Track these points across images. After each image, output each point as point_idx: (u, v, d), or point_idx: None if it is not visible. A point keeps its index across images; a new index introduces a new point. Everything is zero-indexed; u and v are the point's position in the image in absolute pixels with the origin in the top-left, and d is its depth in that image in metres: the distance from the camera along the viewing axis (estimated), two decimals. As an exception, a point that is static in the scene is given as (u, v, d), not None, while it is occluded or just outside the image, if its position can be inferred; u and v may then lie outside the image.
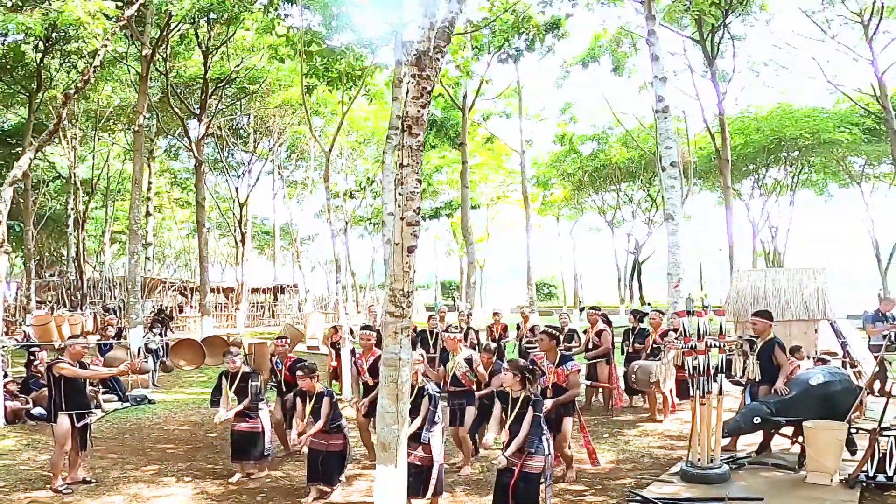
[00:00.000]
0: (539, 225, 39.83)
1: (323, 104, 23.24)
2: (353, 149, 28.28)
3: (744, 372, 7.07)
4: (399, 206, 4.22)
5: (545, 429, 5.25)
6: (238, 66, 23.27)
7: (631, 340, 10.61)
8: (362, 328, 7.85)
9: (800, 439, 6.85)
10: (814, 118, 26.69)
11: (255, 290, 37.70)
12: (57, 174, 32.64)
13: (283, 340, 8.32)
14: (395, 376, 4.28)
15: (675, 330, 10.16)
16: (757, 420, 6.80)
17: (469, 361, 7.32)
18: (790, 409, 6.78)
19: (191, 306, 34.65)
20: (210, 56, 22.17)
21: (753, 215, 31.90)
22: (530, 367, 5.45)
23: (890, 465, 6.21)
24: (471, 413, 7.30)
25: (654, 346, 9.89)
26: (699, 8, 16.18)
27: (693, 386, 6.62)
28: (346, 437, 6.53)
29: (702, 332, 6.62)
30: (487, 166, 32.04)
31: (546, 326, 7.23)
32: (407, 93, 4.35)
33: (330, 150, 14.00)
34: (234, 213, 31.81)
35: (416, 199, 4.19)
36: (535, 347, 11.65)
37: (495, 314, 12.61)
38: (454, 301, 36.77)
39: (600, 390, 10.71)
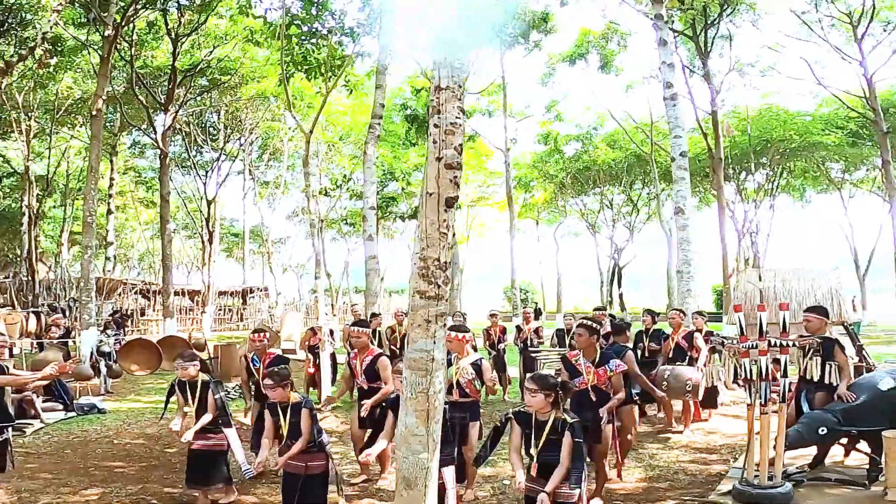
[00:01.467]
0: (518, 228, 38.97)
1: (299, 96, 21.99)
2: (329, 144, 27.01)
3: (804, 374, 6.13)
4: (435, 141, 3.13)
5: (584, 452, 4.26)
6: (209, 55, 21.91)
7: (646, 343, 9.62)
8: (354, 324, 6.81)
9: (858, 449, 5.98)
10: (801, 120, 26.31)
11: (222, 293, 36.25)
12: (12, 170, 30.80)
13: (262, 334, 7.12)
14: (424, 385, 3.15)
15: (700, 330, 9.33)
16: (823, 431, 5.84)
17: (477, 367, 6.09)
18: (859, 417, 5.86)
19: (153, 309, 33.14)
20: (179, 44, 20.81)
21: (737, 219, 31.48)
22: (560, 383, 4.38)
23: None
24: (476, 429, 6.12)
25: (678, 348, 8.89)
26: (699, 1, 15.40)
27: (751, 392, 5.65)
28: (328, 455, 5.28)
29: (764, 330, 5.65)
30: (468, 166, 30.98)
31: (583, 319, 6.08)
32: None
33: (311, 132, 12.82)
34: (201, 213, 30.26)
35: (458, 132, 3.13)
36: (539, 351, 10.81)
37: (492, 315, 11.61)
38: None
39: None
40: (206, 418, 5.68)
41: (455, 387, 6.03)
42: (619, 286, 36.17)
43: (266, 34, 17.09)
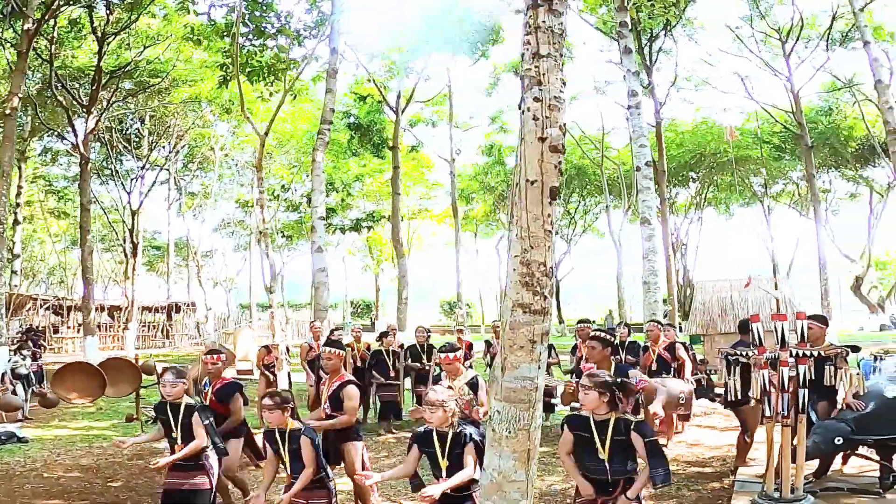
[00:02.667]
0: (452, 242, 38.76)
1: (236, 100, 20.91)
2: (267, 152, 25.94)
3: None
4: (536, 118, 2.67)
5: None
6: (139, 55, 20.54)
7: (622, 356, 9.39)
8: (327, 344, 6.02)
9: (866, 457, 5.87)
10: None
11: (146, 309, 34.26)
12: None
13: (217, 356, 6.22)
14: (526, 420, 2.62)
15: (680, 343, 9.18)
16: (839, 441, 5.70)
17: (473, 386, 5.65)
18: (871, 425, 5.76)
19: (67, 326, 30.94)
20: (106, 43, 19.41)
21: (667, 232, 32.30)
22: (618, 382, 4.05)
23: None
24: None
25: (660, 360, 8.67)
26: (648, 12, 15.63)
27: (769, 404, 5.43)
28: (330, 492, 4.68)
29: (786, 340, 5.44)
30: (409, 177, 30.53)
31: (596, 331, 5.74)
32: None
33: (266, 134, 12.06)
34: (124, 223, 28.43)
35: (562, 109, 2.67)
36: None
37: (459, 331, 11.21)
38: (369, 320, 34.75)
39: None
40: (193, 446, 4.90)
41: None
42: (558, 299, 36.44)
43: (206, 34, 16.16)
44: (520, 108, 2.77)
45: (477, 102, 35.57)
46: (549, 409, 10.26)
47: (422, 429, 4.34)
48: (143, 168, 28.67)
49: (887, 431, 5.72)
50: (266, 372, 10.23)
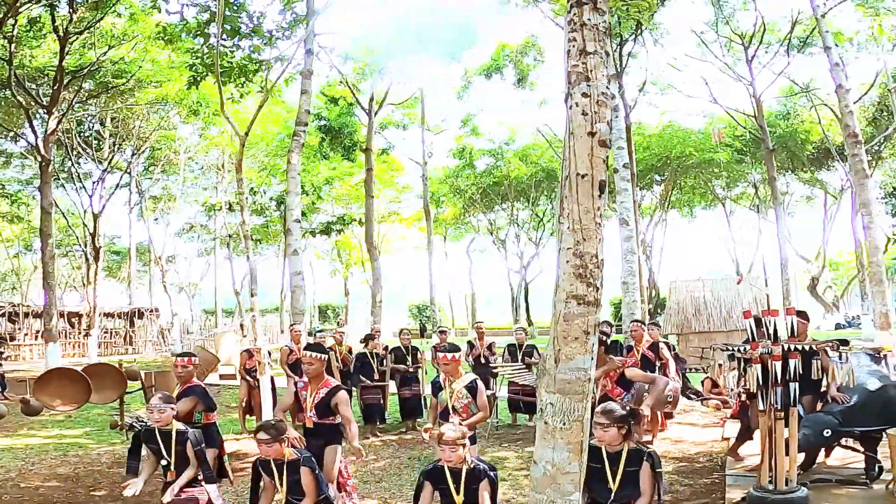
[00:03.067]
0: (422, 246, 38.73)
1: (204, 102, 20.58)
2: (233, 155, 25.41)
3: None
4: (585, 113, 2.68)
5: None
6: (104, 55, 19.97)
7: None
8: (307, 348, 5.69)
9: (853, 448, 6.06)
10: (696, 137, 27.89)
11: (107, 316, 33.39)
12: None
13: (187, 359, 5.90)
14: (580, 411, 2.65)
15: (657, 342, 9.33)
16: (828, 433, 5.88)
17: (472, 390, 5.53)
18: (856, 417, 5.96)
19: (25, 333, 30.02)
20: (68, 43, 18.84)
21: (638, 234, 32.80)
22: (630, 412, 4.11)
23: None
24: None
25: (644, 359, 8.80)
26: (621, 15, 15.83)
27: (762, 398, 5.56)
28: None
29: (778, 335, 5.58)
30: (380, 180, 30.37)
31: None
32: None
33: (246, 135, 11.90)
34: (85, 226, 27.63)
35: (607, 104, 2.70)
36: (496, 366, 10.48)
37: (441, 332, 11.16)
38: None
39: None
40: (189, 473, 4.83)
41: (451, 413, 5.45)
42: (527, 301, 36.70)
43: (175, 35, 15.83)
44: (566, 104, 2.78)
45: (448, 105, 35.67)
46: (532, 409, 10.30)
47: (431, 465, 4.37)
48: (104, 171, 27.91)
49: (872, 423, 5.93)
50: (248, 377, 10.10)
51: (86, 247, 28.45)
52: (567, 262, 2.65)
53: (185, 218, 42.27)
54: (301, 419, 5.43)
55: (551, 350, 2.71)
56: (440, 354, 5.62)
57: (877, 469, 5.98)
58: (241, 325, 22.42)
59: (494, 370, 9.61)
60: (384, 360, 10.26)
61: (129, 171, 29.49)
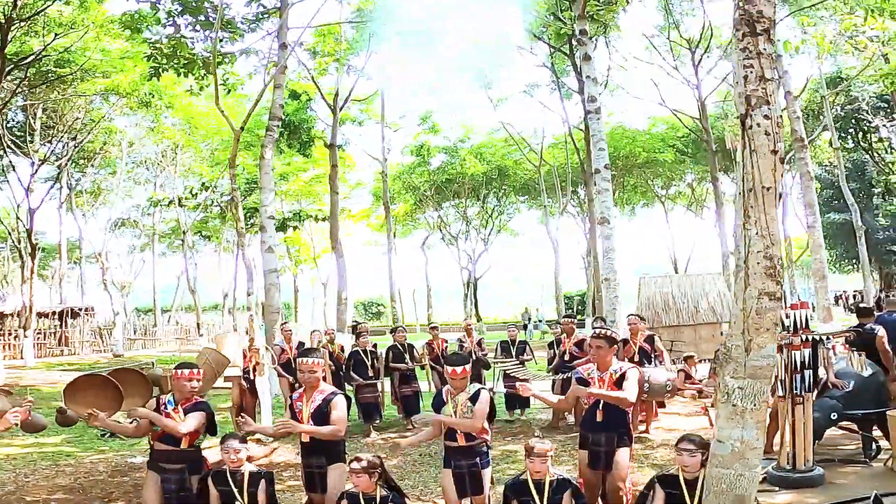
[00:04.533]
0: (371, 242, 38.65)
1: (157, 94, 19.86)
2: (174, 147, 24.56)
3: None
4: (767, 133, 2.88)
5: None
6: (49, 44, 18.92)
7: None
8: (303, 353, 5.11)
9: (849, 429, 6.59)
10: (642, 138, 28.94)
11: (39, 315, 31.66)
12: None
13: (189, 372, 5.13)
14: (766, 393, 2.99)
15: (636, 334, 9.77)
16: (834, 416, 6.43)
17: (473, 399, 4.96)
18: (853, 402, 6.52)
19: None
20: (10, 30, 17.78)
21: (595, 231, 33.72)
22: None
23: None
24: (488, 477, 5.04)
25: (642, 351, 9.19)
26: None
27: (783, 384, 6.00)
28: None
29: (799, 326, 6.01)
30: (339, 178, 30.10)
31: (599, 329, 5.68)
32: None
33: (242, 130, 11.66)
34: (21, 222, 26.15)
35: (781, 124, 2.91)
36: (497, 361, 10.68)
37: (433, 328, 11.28)
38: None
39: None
40: None
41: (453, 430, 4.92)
42: (475, 297, 37.15)
43: (132, 24, 15.29)
44: (744, 125, 2.97)
45: (406, 102, 35.47)
46: (525, 404, 10.54)
47: (513, 480, 4.54)
48: (37, 164, 26.41)
49: (869, 406, 6.51)
50: (241, 379, 9.87)
51: (19, 244, 26.94)
52: (758, 263, 2.89)
53: (117, 213, 40.63)
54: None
55: (741, 340, 2.92)
56: (450, 368, 5.01)
57: (874, 448, 6.54)
58: (199, 326, 21.81)
59: (495, 363, 9.78)
60: (378, 358, 10.28)
61: (59, 164, 28.04)
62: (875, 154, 36.59)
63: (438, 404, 5.04)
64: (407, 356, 10.29)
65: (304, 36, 17.11)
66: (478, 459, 4.86)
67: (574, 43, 16.79)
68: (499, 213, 36.39)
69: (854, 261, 39.34)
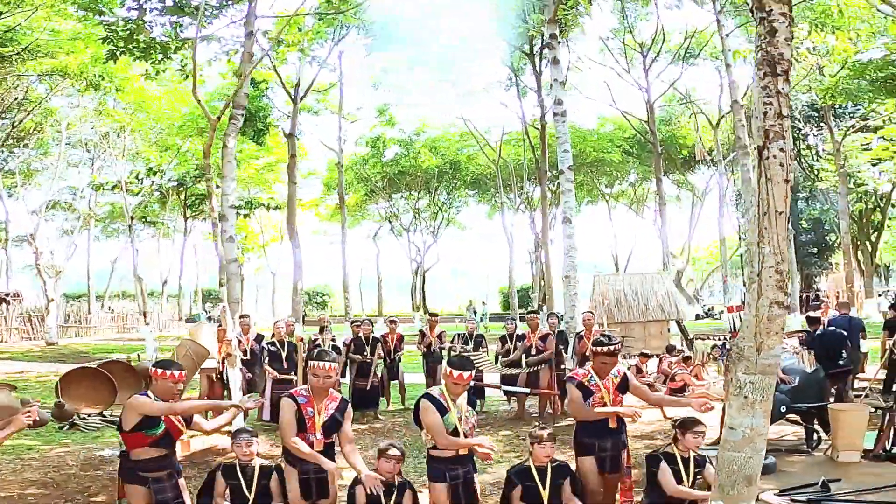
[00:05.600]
0: (319, 231, 38.38)
1: (108, 77, 19.25)
2: (118, 132, 23.73)
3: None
4: (781, 164, 3.26)
5: None
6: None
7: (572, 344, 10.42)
8: (317, 357, 4.61)
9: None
10: (590, 138, 29.79)
11: (-40, 302, 30.10)
12: None
13: (179, 374, 4.63)
14: (772, 386, 3.52)
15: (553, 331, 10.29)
16: (783, 409, 7.03)
17: (473, 404, 4.82)
18: (800, 395, 7.16)
19: None
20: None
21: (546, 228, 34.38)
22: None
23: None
24: (477, 482, 4.85)
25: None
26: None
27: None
28: None
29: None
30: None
31: (601, 337, 5.23)
32: (763, 35, 3.40)
33: (218, 119, 11.52)
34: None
35: (793, 157, 3.28)
36: (442, 356, 10.97)
37: (391, 322, 11.48)
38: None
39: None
40: None
41: (462, 438, 4.54)
42: (423, 290, 37.49)
43: (91, 3, 14.83)
44: (761, 155, 3.33)
45: (363, 93, 35.13)
46: (481, 396, 10.92)
47: (518, 466, 4.84)
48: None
49: (811, 400, 7.19)
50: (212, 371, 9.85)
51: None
52: (770, 276, 3.32)
53: (48, 195, 38.92)
54: (304, 439, 4.49)
55: (752, 341, 3.39)
56: (456, 373, 4.49)
57: (815, 438, 7.20)
58: (145, 315, 21.31)
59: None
60: (348, 351, 10.44)
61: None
62: (802, 160, 38.74)
63: (441, 412, 4.46)
64: (368, 349, 10.35)
65: (267, 24, 16.94)
66: (471, 465, 4.68)
67: (545, 48, 17.32)
68: (448, 206, 36.81)
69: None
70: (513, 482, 4.73)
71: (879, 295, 33.30)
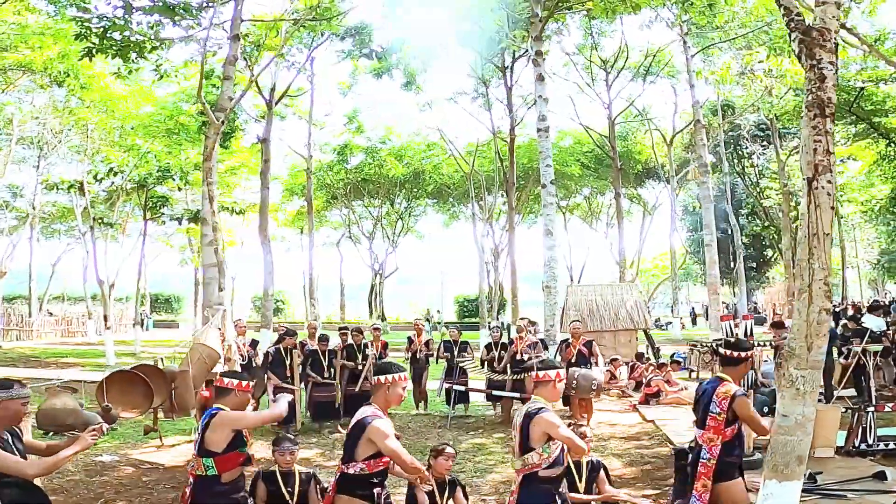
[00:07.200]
0: (277, 237, 37.97)
1: (73, 74, 18.77)
2: (100, 130, 23.06)
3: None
4: (829, 194, 3.71)
5: None
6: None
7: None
8: (383, 370, 4.15)
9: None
10: (552, 151, 30.49)
11: None
12: None
13: (248, 384, 4.33)
14: (820, 380, 4.03)
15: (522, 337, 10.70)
16: (766, 409, 7.59)
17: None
18: (776, 397, 7.76)
19: None
20: None
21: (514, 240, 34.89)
22: None
23: (869, 435, 7.57)
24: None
25: (580, 354, 10.13)
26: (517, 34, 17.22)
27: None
28: None
29: (744, 335, 7.09)
30: (253, 171, 29.39)
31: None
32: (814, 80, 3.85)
33: (223, 123, 11.46)
34: None
35: (833, 190, 3.72)
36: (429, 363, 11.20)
37: (375, 329, 11.66)
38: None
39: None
40: None
41: None
42: (380, 297, 37.54)
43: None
44: (810, 185, 3.76)
45: (333, 100, 35.01)
46: (465, 399, 11.23)
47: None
48: None
49: None
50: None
51: None
52: (819, 288, 3.75)
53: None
54: (384, 464, 4.12)
55: (804, 342, 3.88)
56: (541, 373, 4.16)
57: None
58: (105, 318, 20.74)
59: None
60: (337, 357, 10.55)
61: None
62: (746, 178, 40.57)
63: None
64: (360, 356, 10.45)
65: (245, 27, 16.90)
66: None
67: (524, 62, 17.83)
68: (408, 215, 37.04)
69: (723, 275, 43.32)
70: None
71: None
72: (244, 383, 4.22)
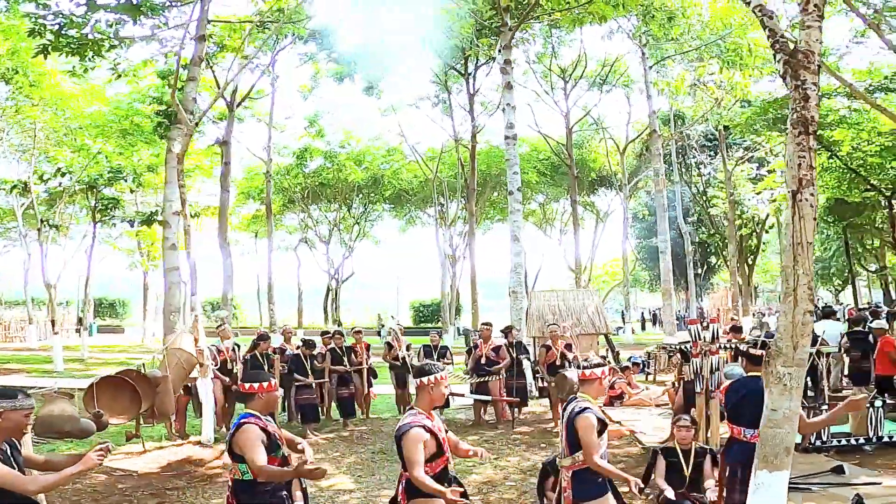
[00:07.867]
0: (232, 240, 37.26)
1: (21, 70, 18.12)
2: (55, 131, 22.16)
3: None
4: (812, 206, 3.94)
5: None
6: None
7: (515, 354, 11.03)
8: (418, 374, 4.19)
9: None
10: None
11: None
12: None
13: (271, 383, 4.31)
14: (803, 377, 4.27)
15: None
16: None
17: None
18: None
19: None
20: None
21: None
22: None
23: (823, 433, 8.27)
24: None
25: (562, 356, 10.39)
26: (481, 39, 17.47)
27: (700, 383, 7.37)
28: None
29: (712, 337, 7.42)
30: (207, 173, 28.83)
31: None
32: (798, 99, 4.09)
33: (196, 125, 11.27)
34: None
35: (815, 202, 3.96)
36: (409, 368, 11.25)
37: (357, 332, 11.66)
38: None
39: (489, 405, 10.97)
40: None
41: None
42: (336, 302, 37.27)
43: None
44: (794, 198, 4.00)
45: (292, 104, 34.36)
46: (445, 405, 11.31)
47: (663, 444, 5.80)
48: None
49: None
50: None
51: None
52: (804, 292, 4.00)
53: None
54: (443, 462, 4.09)
55: (790, 342, 4.14)
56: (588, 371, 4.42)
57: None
58: (53, 322, 20.02)
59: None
60: (324, 360, 10.65)
61: None
62: (693, 187, 41.91)
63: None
64: (346, 359, 10.67)
65: (209, 28, 16.68)
66: None
67: (489, 67, 18.05)
68: (364, 219, 36.95)
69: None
70: (655, 457, 5.69)
71: (754, 315, 36.56)
72: (265, 384, 4.18)
